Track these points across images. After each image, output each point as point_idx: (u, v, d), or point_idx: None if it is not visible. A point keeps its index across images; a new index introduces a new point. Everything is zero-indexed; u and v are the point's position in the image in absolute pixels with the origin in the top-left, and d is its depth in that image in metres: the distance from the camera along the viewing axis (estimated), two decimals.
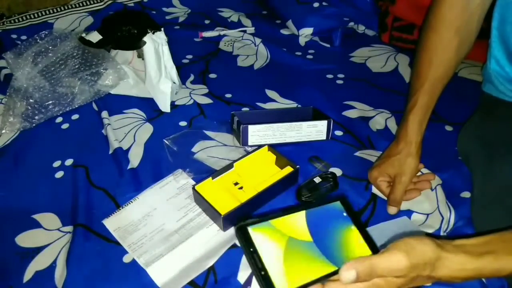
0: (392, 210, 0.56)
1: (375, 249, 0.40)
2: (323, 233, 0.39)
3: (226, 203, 0.54)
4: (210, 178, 0.58)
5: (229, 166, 0.60)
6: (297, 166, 0.59)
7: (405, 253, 0.35)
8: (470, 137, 0.64)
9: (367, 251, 0.39)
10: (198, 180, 0.59)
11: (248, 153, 0.63)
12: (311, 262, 0.37)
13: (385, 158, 0.59)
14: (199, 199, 0.56)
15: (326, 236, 0.39)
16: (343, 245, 0.39)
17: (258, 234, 0.38)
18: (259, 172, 0.60)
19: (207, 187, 0.57)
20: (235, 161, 0.60)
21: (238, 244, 0.53)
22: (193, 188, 0.56)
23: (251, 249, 0.37)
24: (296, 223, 0.39)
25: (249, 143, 0.63)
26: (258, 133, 0.63)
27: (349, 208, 0.42)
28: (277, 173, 0.59)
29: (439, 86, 0.60)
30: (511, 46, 0.58)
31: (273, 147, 0.63)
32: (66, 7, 0.99)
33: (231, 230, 0.55)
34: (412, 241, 0.36)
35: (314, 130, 0.64)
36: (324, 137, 0.66)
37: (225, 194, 0.56)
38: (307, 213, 0.40)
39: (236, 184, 0.58)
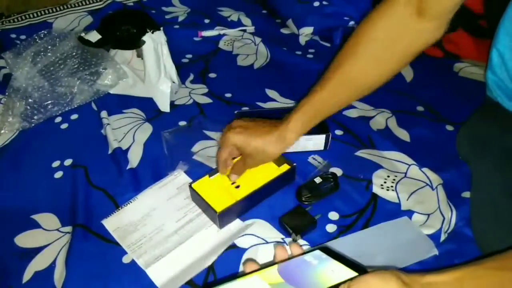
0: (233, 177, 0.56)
1: (359, 269, 0.36)
2: (297, 274, 0.37)
3: (222, 201, 0.54)
4: (207, 176, 0.58)
5: None
6: (294, 164, 0.59)
7: None
8: (467, 137, 0.64)
9: (349, 272, 0.36)
10: (194, 178, 0.59)
11: None
12: None
13: (259, 128, 0.55)
14: (196, 197, 0.56)
15: (300, 275, 0.37)
16: (319, 276, 0.37)
17: None
18: (256, 170, 0.59)
19: (203, 185, 0.57)
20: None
21: (238, 244, 0.52)
22: (190, 186, 0.56)
23: None
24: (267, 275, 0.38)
25: None
26: None
27: (328, 252, 0.39)
28: (274, 171, 0.59)
29: (347, 85, 0.54)
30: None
31: None
32: (65, 7, 0.99)
33: (230, 230, 0.55)
34: (373, 281, 0.33)
35: (312, 143, 0.64)
36: (322, 148, 0.65)
37: (221, 192, 0.56)
38: (279, 266, 0.38)
39: (233, 182, 0.58)
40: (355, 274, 0.35)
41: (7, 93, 0.73)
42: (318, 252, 0.40)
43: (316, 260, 0.39)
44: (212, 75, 0.83)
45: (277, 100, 0.77)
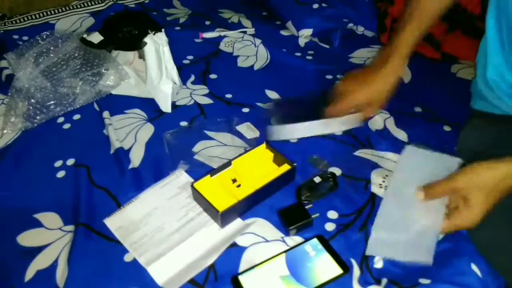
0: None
1: (344, 266, 0.49)
2: (300, 266, 0.49)
3: (224, 200, 0.55)
4: (209, 175, 0.58)
5: (227, 164, 0.60)
6: (295, 164, 0.60)
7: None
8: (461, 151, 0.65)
9: (336, 269, 0.49)
10: (195, 177, 0.59)
11: (245, 150, 0.64)
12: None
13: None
14: (198, 197, 0.57)
15: (302, 267, 0.49)
16: (315, 270, 0.49)
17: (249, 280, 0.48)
18: (257, 170, 0.60)
19: (205, 184, 0.58)
20: (233, 158, 0.61)
21: (238, 243, 0.53)
22: (192, 186, 0.57)
23: None
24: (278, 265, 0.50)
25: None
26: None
27: (324, 242, 0.52)
28: (275, 171, 0.60)
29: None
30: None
31: (270, 145, 0.63)
32: (67, 8, 1.00)
33: (231, 228, 0.56)
34: (480, 168, 0.47)
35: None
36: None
37: (223, 192, 0.57)
38: (286, 254, 0.50)
39: (234, 181, 0.59)
40: (341, 271, 0.49)
41: (9, 94, 0.74)
42: (315, 241, 0.52)
43: (314, 251, 0.51)
44: (213, 76, 0.84)
45: None
